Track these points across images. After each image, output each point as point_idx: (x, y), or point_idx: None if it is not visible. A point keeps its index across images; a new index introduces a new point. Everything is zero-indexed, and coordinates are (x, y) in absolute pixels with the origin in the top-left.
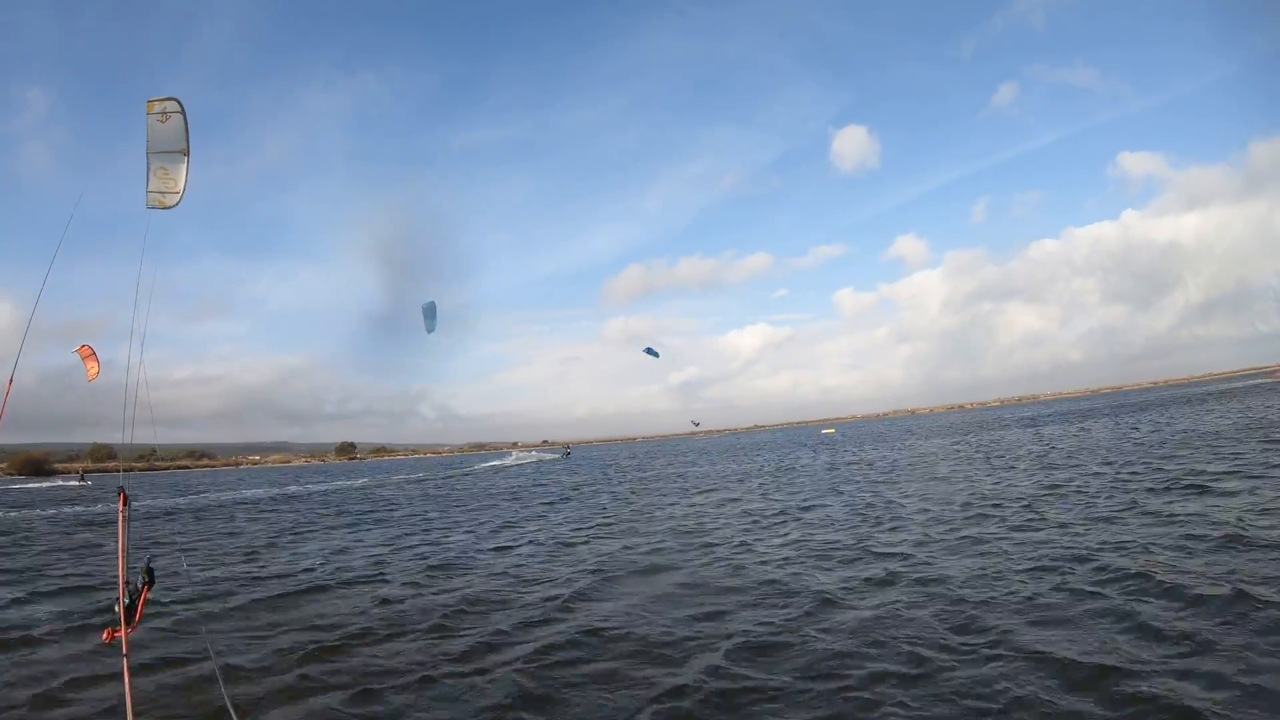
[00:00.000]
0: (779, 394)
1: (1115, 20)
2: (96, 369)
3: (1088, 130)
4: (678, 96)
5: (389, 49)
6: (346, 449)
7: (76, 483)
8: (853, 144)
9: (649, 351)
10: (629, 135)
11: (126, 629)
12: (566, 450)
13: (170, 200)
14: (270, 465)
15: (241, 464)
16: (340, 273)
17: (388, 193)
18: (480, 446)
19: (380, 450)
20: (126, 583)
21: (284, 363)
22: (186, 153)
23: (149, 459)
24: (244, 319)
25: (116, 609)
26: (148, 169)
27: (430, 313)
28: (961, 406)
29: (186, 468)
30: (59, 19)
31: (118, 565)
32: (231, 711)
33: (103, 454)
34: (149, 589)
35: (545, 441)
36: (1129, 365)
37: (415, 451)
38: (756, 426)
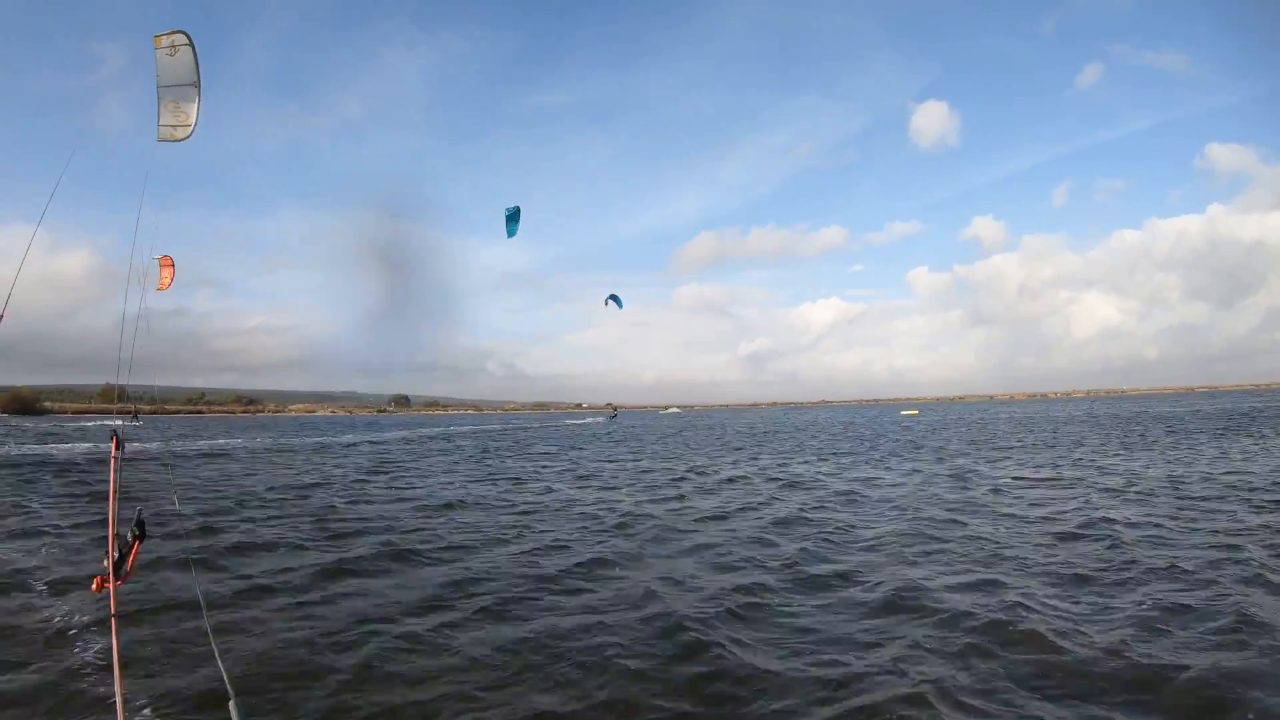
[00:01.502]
0: (848, 371)
1: (1205, 5)
2: (170, 279)
3: (1175, 120)
4: (759, 62)
5: (471, 7)
6: (400, 401)
7: (133, 422)
8: (933, 120)
9: (612, 300)
10: (708, 100)
11: (116, 581)
12: (614, 413)
13: (181, 134)
14: (292, 414)
15: (260, 412)
16: (415, 230)
17: (464, 150)
18: (544, 406)
19: (434, 404)
20: (116, 535)
21: (354, 315)
22: (197, 85)
23: (197, 401)
24: (317, 270)
25: (105, 562)
26: (158, 103)
27: (514, 217)
28: (1045, 395)
29: (198, 412)
30: None
31: (108, 515)
32: (220, 664)
33: (110, 395)
34: (140, 542)
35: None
36: (1207, 366)
37: (476, 408)
38: (824, 401)
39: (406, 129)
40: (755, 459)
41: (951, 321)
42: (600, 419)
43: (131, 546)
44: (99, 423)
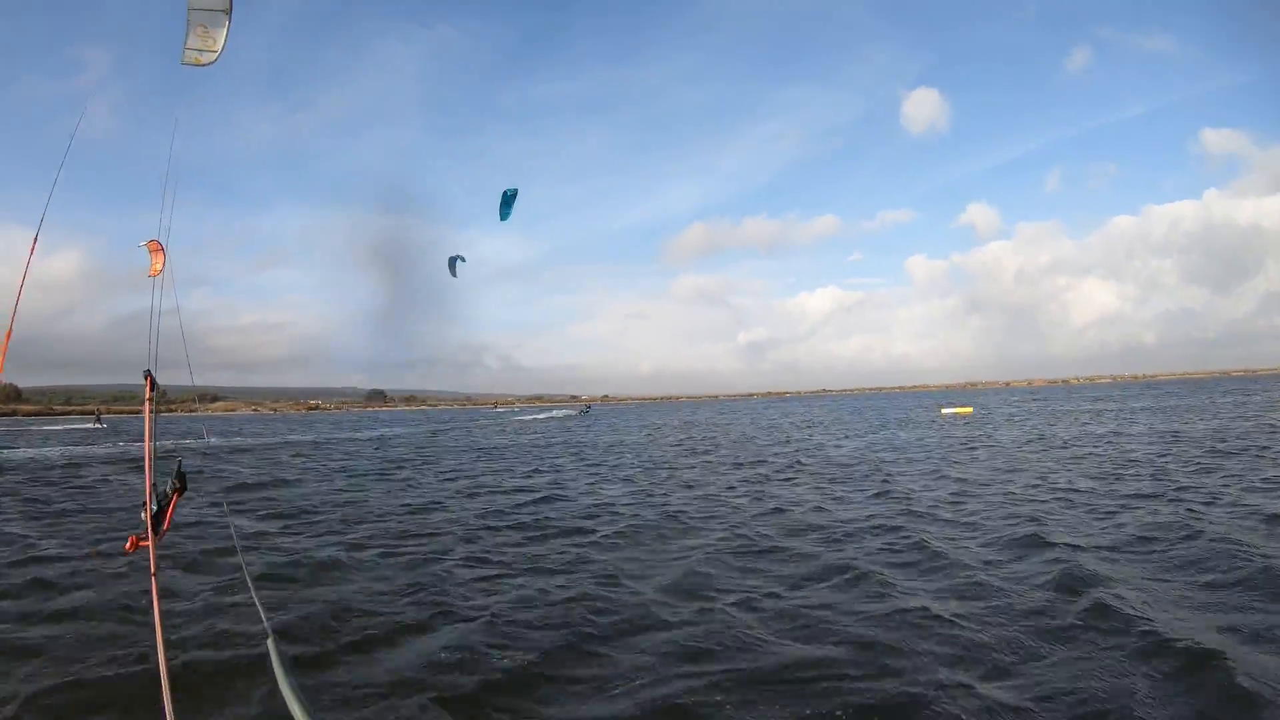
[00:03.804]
0: (847, 358)
1: None
2: (161, 266)
3: (1168, 105)
4: (755, 52)
5: (466, 1)
6: (376, 396)
7: (92, 425)
8: (923, 107)
9: (455, 261)
10: (705, 91)
11: (154, 537)
12: (586, 408)
13: (206, 59)
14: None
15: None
16: (410, 225)
17: (460, 145)
18: (540, 398)
19: (411, 398)
20: (154, 486)
21: (349, 311)
22: (229, 12)
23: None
24: (311, 268)
25: (143, 515)
26: (187, 25)
27: (509, 199)
28: (1066, 381)
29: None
30: None
31: (144, 464)
32: (263, 616)
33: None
34: (180, 494)
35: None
36: (1205, 351)
37: (470, 401)
38: (824, 391)
39: (402, 123)
40: None
41: (949, 308)
42: (561, 413)
43: (170, 499)
44: (66, 427)
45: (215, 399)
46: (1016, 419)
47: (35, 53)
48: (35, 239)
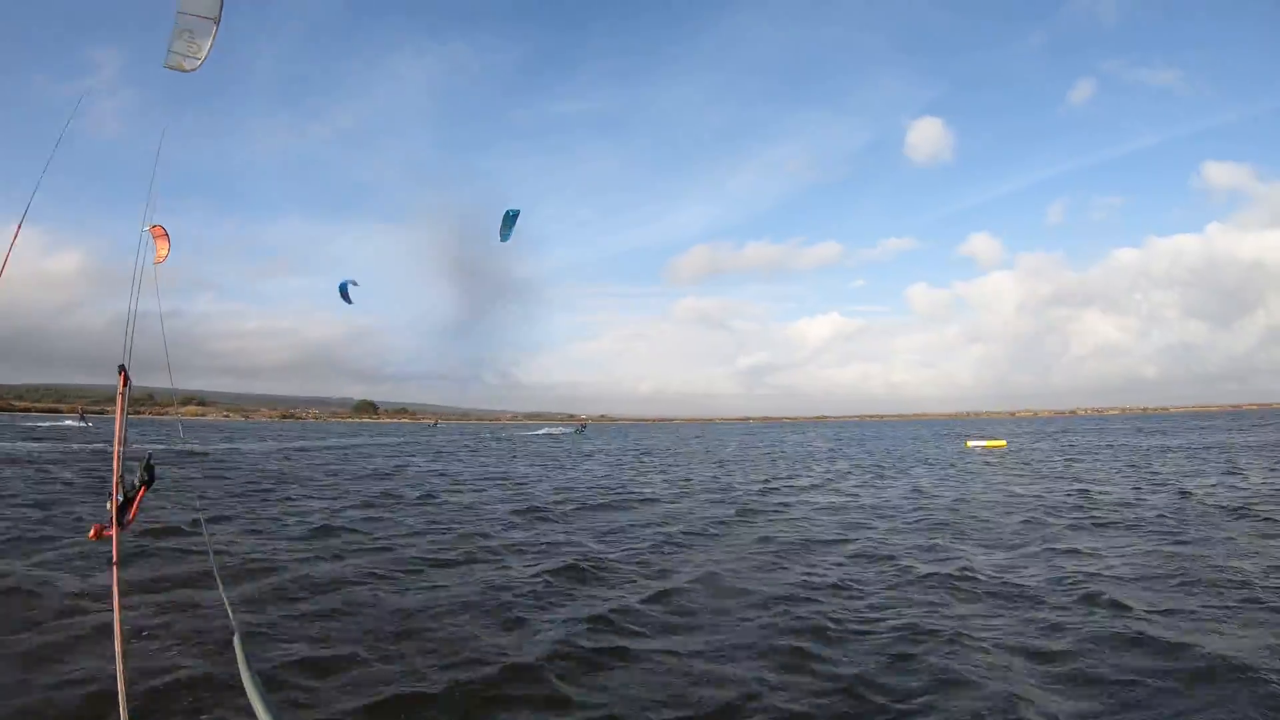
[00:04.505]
0: (846, 385)
1: (1195, 21)
2: (166, 251)
3: (1171, 138)
4: (768, 78)
5: (481, 17)
6: (365, 407)
7: (77, 423)
8: (927, 136)
9: (347, 286)
10: (717, 114)
11: (118, 528)
12: (582, 426)
13: (189, 65)
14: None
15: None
16: (417, 237)
17: (470, 161)
18: (537, 416)
19: (403, 411)
20: (121, 478)
21: (353, 321)
22: (217, 21)
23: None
24: (318, 277)
25: (109, 506)
26: (174, 28)
27: (508, 221)
28: (1074, 412)
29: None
30: None
31: (113, 456)
32: (230, 614)
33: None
34: (147, 488)
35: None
36: (1206, 386)
37: (467, 416)
38: (822, 417)
39: (413, 137)
40: None
41: (949, 338)
42: (552, 430)
43: (138, 491)
44: (51, 424)
45: (201, 403)
46: (1064, 454)
47: (44, 53)
48: (19, 227)
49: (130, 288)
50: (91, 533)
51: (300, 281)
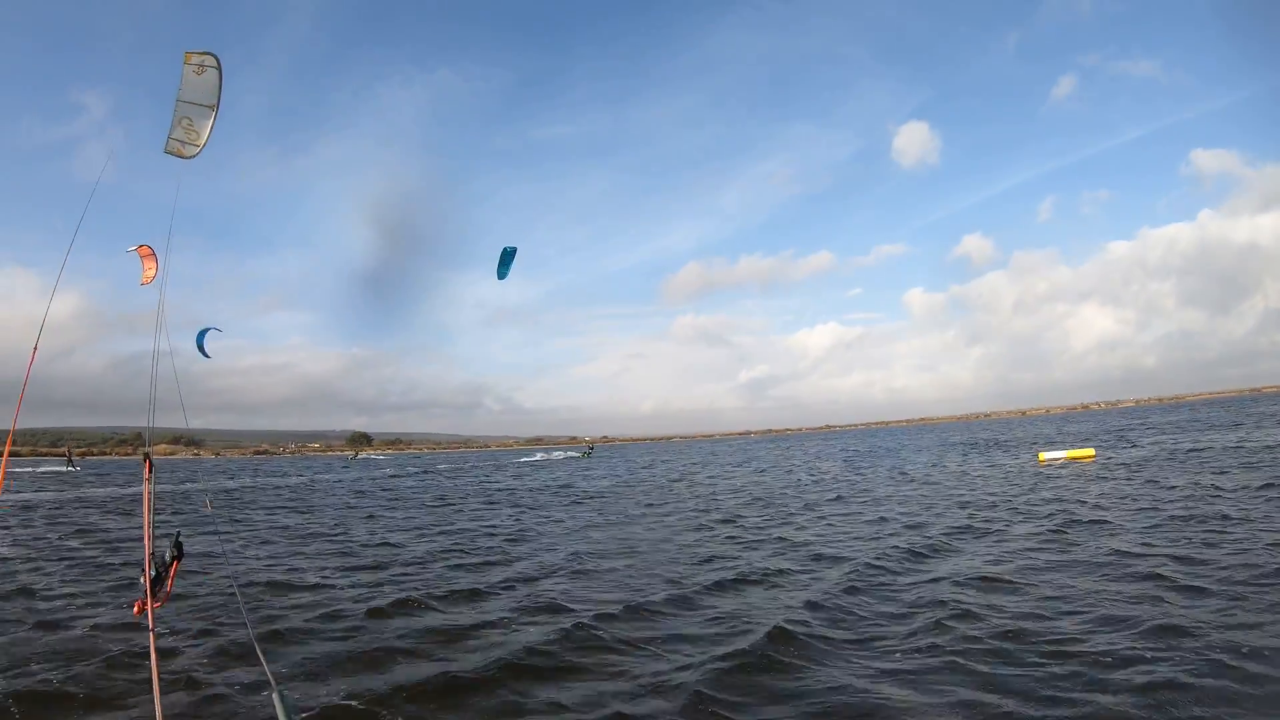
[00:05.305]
0: (849, 393)
1: (1170, 9)
2: (153, 273)
3: (1157, 128)
4: (754, 92)
5: (466, 45)
6: (360, 440)
7: (65, 467)
8: (913, 140)
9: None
10: (705, 131)
11: (154, 603)
12: (589, 449)
13: (189, 151)
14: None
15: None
16: (411, 266)
17: (459, 187)
18: (540, 440)
19: (397, 441)
20: (153, 554)
21: (351, 354)
22: (215, 109)
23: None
24: (313, 311)
25: (142, 580)
26: (174, 116)
27: (507, 259)
28: (1087, 407)
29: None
30: (129, 15)
31: (144, 535)
32: (271, 679)
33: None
34: (178, 562)
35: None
36: (1207, 372)
37: (471, 444)
38: (828, 426)
39: (403, 165)
40: None
41: (948, 340)
42: (560, 454)
43: (170, 566)
44: (35, 470)
45: (190, 442)
46: (1194, 465)
47: (32, 95)
48: (52, 294)
49: (149, 361)
50: (135, 609)
51: (297, 316)
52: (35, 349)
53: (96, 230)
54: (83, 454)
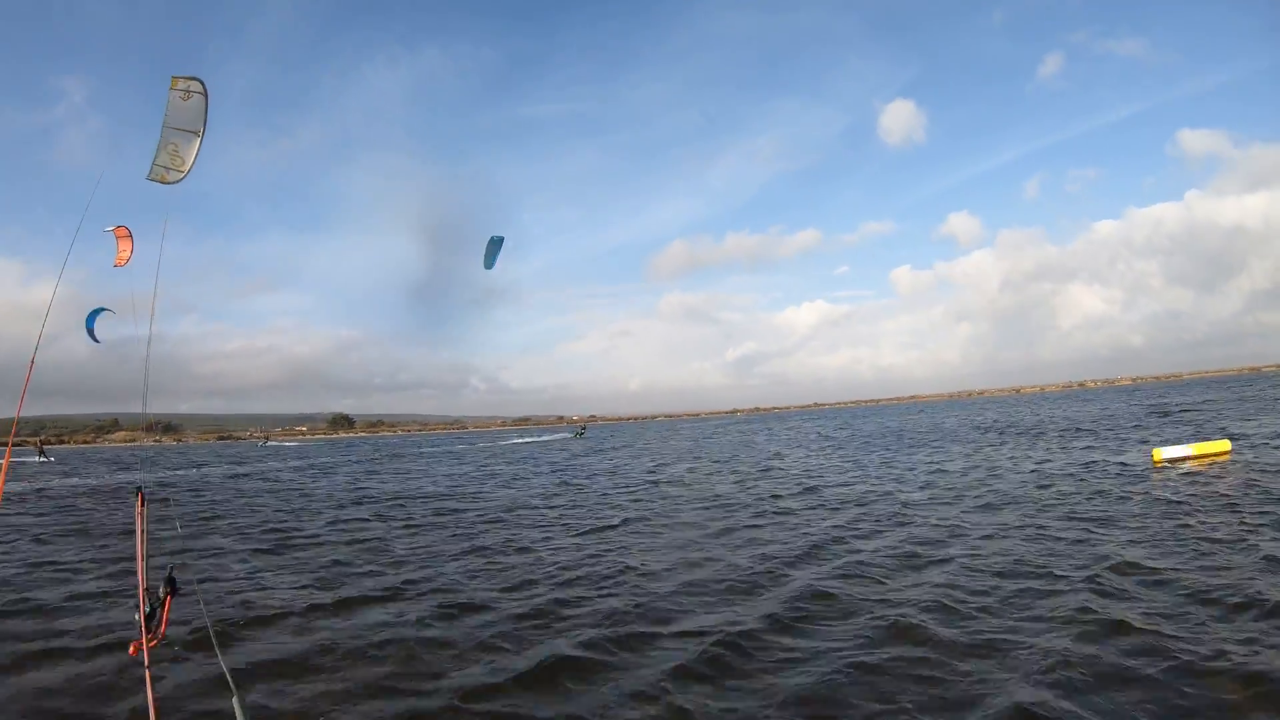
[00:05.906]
0: (835, 371)
1: None
2: (128, 255)
3: (1144, 108)
4: (742, 69)
5: (452, 25)
6: (341, 422)
7: (37, 459)
8: (899, 118)
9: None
10: (693, 109)
11: (148, 639)
12: (581, 429)
13: (173, 177)
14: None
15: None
16: (397, 247)
17: (447, 168)
18: (527, 420)
19: (379, 423)
20: (147, 590)
21: (338, 335)
22: (201, 134)
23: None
24: (300, 293)
25: (137, 617)
26: (160, 141)
27: (493, 248)
28: (1084, 385)
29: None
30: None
31: (137, 572)
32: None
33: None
34: (172, 598)
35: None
36: (1193, 351)
37: (461, 425)
38: (816, 404)
39: (389, 147)
40: None
41: (935, 318)
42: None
43: (164, 602)
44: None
45: (168, 427)
46: None
47: (10, 81)
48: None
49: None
50: (131, 649)
51: (283, 299)
52: (36, 350)
53: (76, 216)
54: (49, 442)
